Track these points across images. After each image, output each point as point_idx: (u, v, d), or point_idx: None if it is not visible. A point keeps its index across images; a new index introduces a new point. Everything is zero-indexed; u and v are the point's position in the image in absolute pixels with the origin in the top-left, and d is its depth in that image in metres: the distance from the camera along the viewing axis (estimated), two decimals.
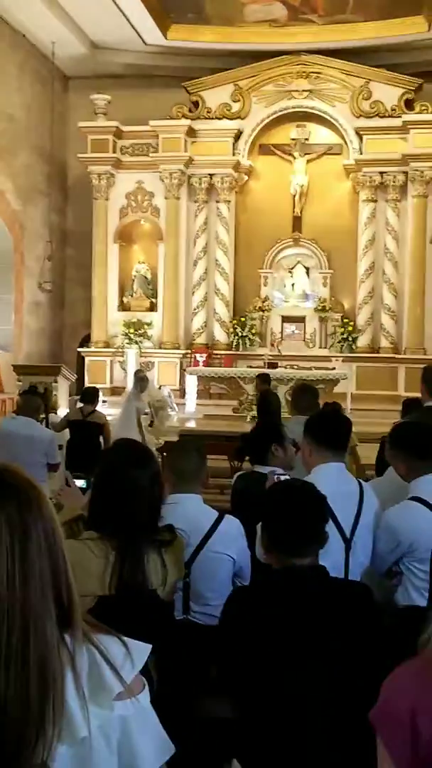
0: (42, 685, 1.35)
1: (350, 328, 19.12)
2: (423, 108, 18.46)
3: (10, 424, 7.62)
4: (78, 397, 16.80)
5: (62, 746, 1.36)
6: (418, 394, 6.21)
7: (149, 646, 1.53)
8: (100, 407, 10.79)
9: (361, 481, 4.04)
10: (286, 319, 19.70)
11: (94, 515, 2.97)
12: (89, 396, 10.44)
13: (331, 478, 3.74)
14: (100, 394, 11.10)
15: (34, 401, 7.85)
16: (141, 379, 11.98)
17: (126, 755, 1.46)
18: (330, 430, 3.97)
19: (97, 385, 18.10)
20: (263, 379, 12.59)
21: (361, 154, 18.86)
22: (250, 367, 17.01)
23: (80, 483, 3.42)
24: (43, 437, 7.30)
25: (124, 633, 1.56)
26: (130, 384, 18.82)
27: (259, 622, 2.59)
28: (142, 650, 1.52)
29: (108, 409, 16.84)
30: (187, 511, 3.62)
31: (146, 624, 2.72)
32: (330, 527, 3.62)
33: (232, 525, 3.67)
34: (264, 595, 2.73)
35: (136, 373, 12.30)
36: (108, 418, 10.58)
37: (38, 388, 13.85)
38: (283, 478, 3.69)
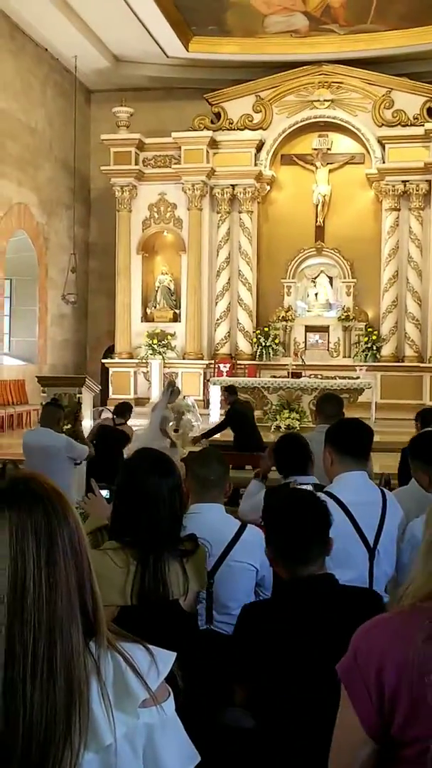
0: (68, 692, 1.35)
1: (374, 337, 19.06)
2: None
3: (29, 437, 7.83)
4: (101, 408, 16.92)
5: (89, 753, 1.36)
6: None
7: (174, 654, 1.53)
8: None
9: (384, 489, 4.01)
10: (309, 328, 19.68)
11: (115, 525, 2.97)
12: (123, 408, 10.72)
13: (353, 487, 3.73)
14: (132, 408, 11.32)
15: (55, 412, 7.95)
16: (173, 392, 12.08)
17: (151, 763, 1.45)
18: (352, 438, 3.94)
19: (122, 396, 18.33)
20: (231, 391, 12.71)
21: (383, 162, 18.83)
22: (274, 377, 16.98)
23: (105, 493, 3.42)
24: (58, 443, 7.43)
25: (148, 642, 1.56)
26: (155, 394, 18.90)
27: (269, 636, 2.58)
28: (167, 658, 1.51)
29: (132, 420, 16.92)
30: (210, 520, 3.60)
31: (168, 634, 2.71)
32: (353, 536, 3.62)
33: (254, 534, 3.65)
34: (273, 608, 2.72)
35: (169, 384, 12.38)
36: (134, 428, 10.70)
37: (60, 399, 13.94)
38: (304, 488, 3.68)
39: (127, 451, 9.60)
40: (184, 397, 16.99)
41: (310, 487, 3.72)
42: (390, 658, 1.57)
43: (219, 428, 12.08)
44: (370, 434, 4.04)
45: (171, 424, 11.93)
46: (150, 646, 1.51)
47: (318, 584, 2.61)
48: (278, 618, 2.60)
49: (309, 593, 2.59)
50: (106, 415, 16.66)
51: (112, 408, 17.00)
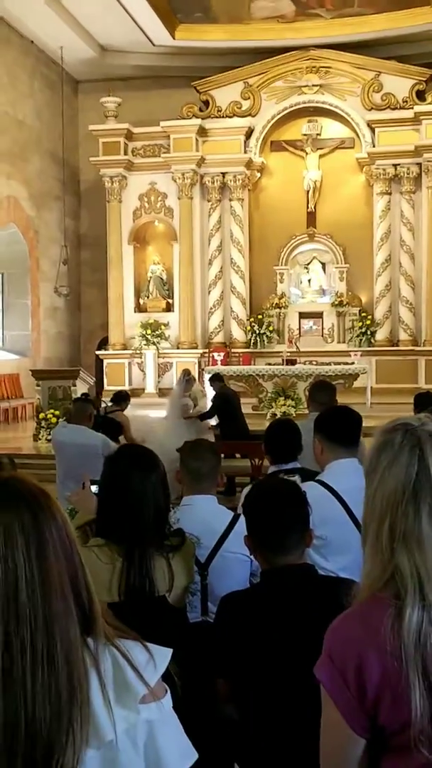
0: (70, 687, 1.35)
1: (368, 322, 19.05)
2: None
3: (62, 434, 7.64)
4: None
5: (90, 750, 1.36)
6: None
7: (170, 651, 1.53)
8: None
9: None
10: (303, 315, 19.67)
11: (100, 521, 2.96)
12: (120, 396, 10.82)
13: (345, 474, 3.73)
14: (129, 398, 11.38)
15: (86, 408, 7.82)
16: (188, 381, 12.08)
17: (152, 759, 1.45)
18: (340, 427, 3.94)
19: (116, 388, 18.31)
20: (216, 378, 12.72)
21: (373, 146, 18.77)
22: (269, 364, 16.97)
23: (94, 488, 3.40)
24: (96, 443, 7.23)
25: None
26: (150, 385, 18.89)
27: (247, 626, 2.57)
28: (163, 655, 1.52)
29: (128, 411, 16.90)
30: (203, 512, 3.59)
31: (155, 630, 2.70)
32: (348, 523, 3.62)
33: None
34: (251, 598, 2.71)
35: (184, 374, 12.38)
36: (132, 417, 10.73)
37: (55, 392, 13.94)
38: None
39: (146, 443, 9.58)
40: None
41: (297, 478, 3.71)
42: (367, 653, 1.58)
43: (206, 416, 12.04)
44: (358, 421, 4.02)
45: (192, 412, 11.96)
46: (147, 643, 1.52)
47: (296, 574, 2.59)
48: (256, 608, 2.59)
49: (287, 583, 2.57)
50: (102, 406, 16.69)
51: (107, 399, 17.03)
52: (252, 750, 2.55)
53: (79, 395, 12.43)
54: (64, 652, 1.36)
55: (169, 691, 1.51)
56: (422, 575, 1.57)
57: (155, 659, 1.48)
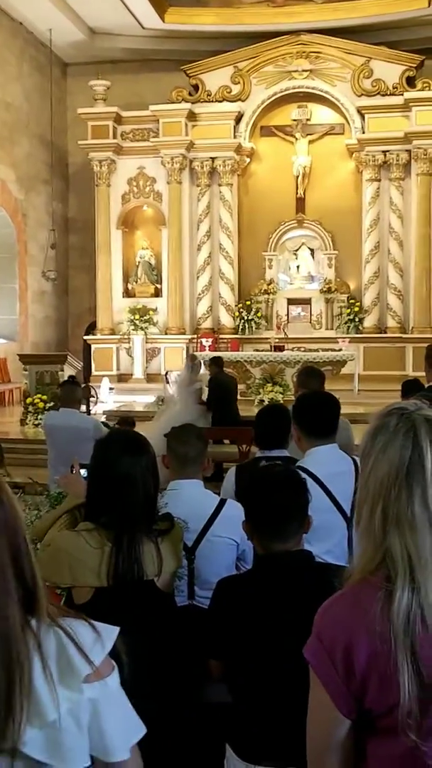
0: (8, 668, 1.36)
1: (356, 309, 19.07)
2: (425, 85, 18.33)
3: (53, 418, 7.65)
4: (84, 385, 16.86)
5: (32, 729, 1.38)
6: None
7: (117, 629, 1.54)
8: (108, 395, 10.89)
9: (355, 458, 4.02)
10: (291, 301, 19.66)
11: (89, 506, 2.96)
12: (125, 423, 10.75)
13: (325, 460, 3.76)
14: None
15: (75, 391, 7.82)
16: (195, 366, 12.02)
17: (96, 737, 1.48)
18: (315, 416, 3.94)
19: (104, 373, 18.29)
20: (214, 362, 12.60)
21: (363, 133, 18.73)
22: (257, 350, 16.98)
23: (83, 472, 3.40)
24: (87, 426, 7.23)
25: (122, 623, 1.57)
26: (138, 370, 18.87)
27: (244, 610, 2.58)
28: (110, 632, 1.53)
29: (116, 396, 16.90)
30: (189, 496, 3.61)
31: (144, 614, 2.71)
32: (330, 508, 3.64)
33: (234, 509, 3.65)
34: (248, 582, 2.72)
35: (192, 358, 12.31)
36: (115, 405, 10.68)
37: (43, 377, 13.91)
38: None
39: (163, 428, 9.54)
40: (167, 372, 17.06)
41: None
42: (356, 635, 1.60)
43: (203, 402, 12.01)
44: (334, 408, 4.01)
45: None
46: (93, 622, 1.53)
47: (294, 561, 2.60)
48: (254, 592, 2.60)
49: (284, 569, 2.58)
50: (90, 392, 16.66)
51: (95, 384, 17.00)
52: (244, 732, 2.56)
53: (66, 378, 12.33)
54: (3, 632, 1.37)
55: (116, 669, 1.53)
56: (413, 558, 1.58)
57: (102, 637, 1.50)
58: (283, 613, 2.48)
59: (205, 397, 11.65)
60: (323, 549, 3.51)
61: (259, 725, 2.51)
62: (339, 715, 1.63)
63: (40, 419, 13.45)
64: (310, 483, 3.61)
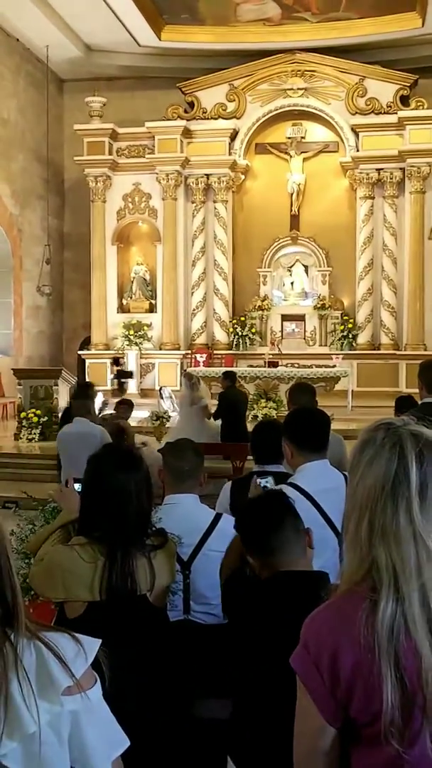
0: None
1: (350, 326, 19.12)
2: (419, 104, 18.47)
3: (66, 429, 8.12)
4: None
5: (12, 742, 1.39)
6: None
7: (99, 641, 1.55)
8: (102, 410, 10.94)
9: (346, 473, 4.04)
10: (285, 317, 19.71)
11: (83, 520, 2.96)
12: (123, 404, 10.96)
13: (316, 476, 3.76)
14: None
15: (86, 404, 8.20)
16: (194, 384, 11.93)
17: (77, 749, 1.48)
18: (306, 432, 3.94)
19: (99, 388, 18.26)
20: (226, 376, 12.54)
21: (357, 151, 18.85)
22: (251, 366, 16.99)
23: (77, 486, 3.41)
24: (96, 432, 7.55)
25: (114, 638, 1.58)
26: (132, 385, 18.88)
27: (250, 625, 2.59)
28: (92, 645, 1.54)
29: (110, 411, 16.86)
30: (184, 511, 3.62)
31: (136, 629, 2.71)
32: (321, 524, 3.65)
33: (229, 523, 3.67)
34: (256, 598, 2.73)
35: (189, 377, 12.25)
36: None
37: (37, 392, 13.90)
38: (262, 482, 3.71)
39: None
40: (161, 388, 17.07)
41: (270, 480, 3.74)
42: (341, 644, 1.63)
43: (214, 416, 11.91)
44: (325, 424, 4.02)
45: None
46: (76, 634, 1.54)
47: (293, 581, 2.61)
48: (262, 609, 2.61)
49: (288, 590, 2.58)
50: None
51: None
52: (246, 745, 2.56)
53: (76, 387, 12.55)
54: None
55: (98, 681, 1.53)
56: (398, 569, 1.61)
57: (84, 649, 1.51)
58: (286, 629, 2.49)
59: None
60: (316, 565, 3.51)
61: (262, 738, 2.51)
62: (324, 724, 1.66)
63: (34, 434, 13.47)
64: (301, 499, 3.64)
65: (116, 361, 18.55)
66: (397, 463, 1.64)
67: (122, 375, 18.19)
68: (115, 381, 18.24)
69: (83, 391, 9.01)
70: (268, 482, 3.88)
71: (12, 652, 1.42)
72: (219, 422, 11.44)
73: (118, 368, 18.21)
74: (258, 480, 3.74)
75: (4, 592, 1.45)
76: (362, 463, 1.69)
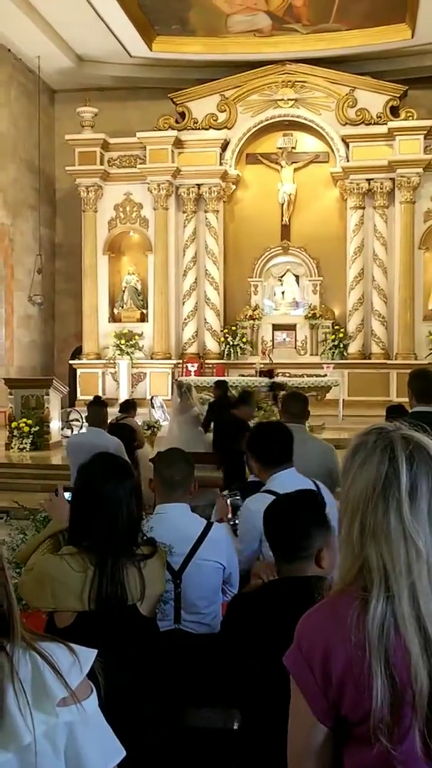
0: None
1: (341, 335, 19.16)
2: (408, 114, 18.57)
3: (78, 437, 8.17)
4: (70, 409, 16.86)
5: (7, 753, 1.39)
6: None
7: (95, 651, 1.55)
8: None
9: (315, 480, 4.18)
10: (276, 327, 19.74)
11: (73, 530, 2.96)
12: (127, 405, 11.05)
13: (288, 482, 3.86)
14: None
15: (101, 412, 8.21)
16: (183, 393, 11.86)
17: (72, 760, 1.47)
18: (272, 445, 4.17)
19: (90, 397, 18.23)
20: (218, 385, 12.48)
21: (347, 161, 18.93)
22: (242, 375, 17.02)
23: (67, 495, 3.41)
24: (111, 445, 7.47)
25: (104, 648, 1.58)
26: (123, 394, 18.86)
27: (252, 633, 2.59)
28: (88, 655, 1.54)
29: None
30: (175, 520, 3.61)
31: (126, 639, 2.71)
32: None
33: (220, 532, 3.68)
34: (258, 602, 2.73)
35: (179, 386, 12.19)
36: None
37: (28, 401, 13.89)
38: (230, 499, 3.95)
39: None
40: (153, 397, 17.05)
41: (238, 495, 3.94)
42: (333, 643, 1.66)
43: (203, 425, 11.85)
44: (288, 437, 4.20)
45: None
46: (71, 644, 1.53)
47: (303, 585, 2.61)
48: (266, 615, 2.61)
49: (291, 593, 2.58)
50: (75, 416, 16.65)
51: (80, 409, 17.00)
52: (253, 754, 2.55)
53: (92, 399, 12.62)
54: None
55: (94, 691, 1.53)
56: (388, 568, 1.64)
57: (80, 660, 1.50)
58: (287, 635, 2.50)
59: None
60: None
61: (270, 749, 2.50)
62: (317, 722, 1.69)
63: (26, 443, 13.46)
64: None
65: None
66: (387, 465, 1.67)
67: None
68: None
69: (97, 401, 9.07)
70: (238, 499, 4.06)
71: (8, 663, 1.42)
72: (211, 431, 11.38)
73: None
74: (227, 498, 3.87)
75: (1, 603, 1.45)
76: (354, 465, 1.72)
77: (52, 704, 1.43)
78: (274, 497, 3.77)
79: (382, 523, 1.65)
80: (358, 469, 1.71)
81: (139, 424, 13.55)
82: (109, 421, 9.90)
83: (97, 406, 8.60)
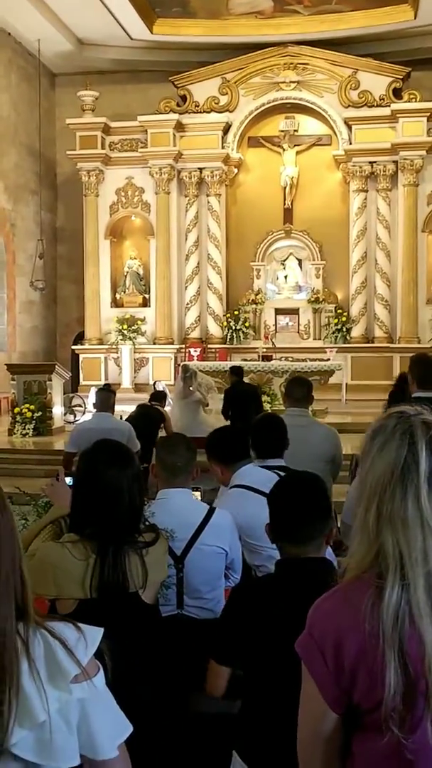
0: (0, 670, 1.40)
1: (344, 319, 19.12)
2: (411, 96, 18.45)
3: (87, 422, 8.17)
4: (73, 395, 16.88)
5: (22, 730, 1.40)
6: None
7: (101, 630, 1.57)
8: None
9: (280, 474, 4.11)
10: (279, 311, 19.70)
11: (74, 517, 2.94)
12: (159, 395, 11.18)
13: (250, 473, 4.12)
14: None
15: (109, 397, 8.19)
16: (187, 378, 11.80)
17: (84, 736, 1.50)
18: (233, 446, 4.34)
19: (92, 383, 18.25)
20: (233, 371, 12.43)
21: (350, 144, 18.84)
22: (245, 360, 16.98)
23: (69, 480, 3.39)
24: (122, 429, 7.51)
25: (106, 636, 1.59)
26: (126, 380, 18.87)
27: (259, 617, 2.58)
28: (95, 634, 1.56)
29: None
30: (177, 506, 3.61)
31: (129, 626, 2.69)
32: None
33: (223, 518, 3.67)
34: (263, 588, 2.72)
35: (184, 370, 12.14)
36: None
37: (31, 387, 13.90)
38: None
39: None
40: (155, 382, 17.02)
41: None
42: (346, 630, 1.65)
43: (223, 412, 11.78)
44: (245, 437, 4.36)
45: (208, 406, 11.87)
46: (78, 623, 1.56)
47: (310, 567, 2.60)
48: (267, 598, 2.60)
49: (300, 575, 2.57)
50: (78, 401, 16.66)
51: (83, 394, 17.02)
52: (254, 738, 2.55)
53: (101, 386, 12.82)
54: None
55: (101, 669, 1.55)
56: (404, 555, 1.62)
57: (87, 639, 1.53)
58: (299, 619, 2.49)
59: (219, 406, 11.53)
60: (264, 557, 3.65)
61: (271, 733, 2.50)
62: (327, 709, 1.68)
63: (28, 429, 13.46)
64: (254, 497, 3.78)
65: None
66: (407, 451, 1.65)
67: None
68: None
69: (105, 386, 9.09)
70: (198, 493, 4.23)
71: (21, 641, 1.44)
72: (213, 416, 11.34)
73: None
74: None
75: (18, 582, 1.48)
76: (373, 450, 1.71)
77: (65, 681, 1.46)
78: (245, 489, 3.91)
79: (400, 510, 1.64)
80: (376, 453, 1.69)
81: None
82: (143, 403, 10.05)
83: (106, 392, 8.61)
